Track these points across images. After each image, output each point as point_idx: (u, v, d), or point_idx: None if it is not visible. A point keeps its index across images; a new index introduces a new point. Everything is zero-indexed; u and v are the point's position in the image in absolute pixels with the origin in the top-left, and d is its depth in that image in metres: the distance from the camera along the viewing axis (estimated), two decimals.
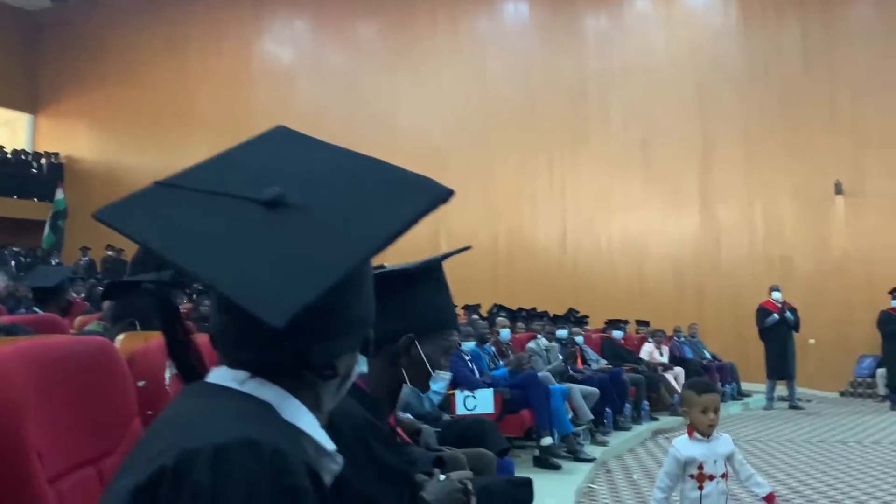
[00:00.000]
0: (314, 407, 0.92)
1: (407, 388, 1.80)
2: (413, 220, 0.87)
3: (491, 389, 5.76)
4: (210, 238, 0.84)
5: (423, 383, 1.82)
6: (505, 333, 7.69)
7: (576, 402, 6.86)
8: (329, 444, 0.92)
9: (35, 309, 4.68)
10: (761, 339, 11.01)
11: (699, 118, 14.12)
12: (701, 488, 3.04)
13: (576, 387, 7.03)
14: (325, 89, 16.45)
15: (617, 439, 7.29)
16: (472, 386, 5.82)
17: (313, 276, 0.79)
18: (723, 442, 3.14)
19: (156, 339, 2.26)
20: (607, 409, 7.50)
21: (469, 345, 6.45)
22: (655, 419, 8.80)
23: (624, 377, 8.26)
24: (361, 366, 1.03)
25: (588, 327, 10.60)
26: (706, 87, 14.12)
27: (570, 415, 6.59)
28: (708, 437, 3.10)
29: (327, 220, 0.85)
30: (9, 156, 17.96)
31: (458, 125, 15.38)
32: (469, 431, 3.89)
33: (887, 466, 6.39)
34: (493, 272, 14.45)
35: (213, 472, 0.75)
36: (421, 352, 1.76)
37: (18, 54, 18.81)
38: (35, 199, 17.49)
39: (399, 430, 3.30)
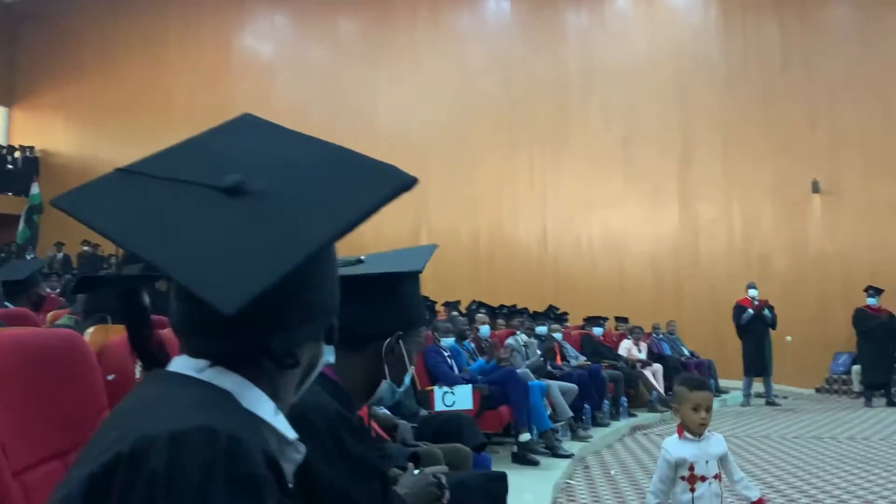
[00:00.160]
0: (275, 396, 0.91)
1: (385, 384, 1.81)
2: (375, 208, 0.86)
3: (470, 386, 5.76)
4: (166, 225, 0.83)
5: (399, 378, 1.83)
6: (484, 330, 7.71)
7: (555, 399, 6.89)
8: (290, 433, 0.91)
9: (6, 304, 4.61)
10: (738, 336, 11.11)
11: (679, 117, 14.21)
12: (693, 490, 2.92)
13: (555, 384, 7.05)
14: (306, 84, 16.36)
15: (595, 435, 7.32)
16: (451, 382, 5.82)
17: (269, 262, 0.78)
18: (715, 442, 3.02)
19: (126, 333, 2.22)
20: (586, 405, 7.54)
21: (448, 341, 6.45)
22: (634, 415, 8.87)
23: (603, 374, 8.30)
24: (328, 356, 1.02)
25: (568, 324, 10.65)
26: (686, 86, 14.21)
27: (549, 411, 6.61)
28: (699, 437, 2.98)
29: (286, 207, 0.84)
30: None
31: (439, 121, 15.36)
32: (446, 427, 3.89)
33: (861, 462, 6.47)
34: (474, 269, 14.46)
35: (169, 459, 0.74)
36: (403, 349, 1.77)
37: None
38: (10, 194, 17.22)
39: (375, 425, 3.29)
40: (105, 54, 17.77)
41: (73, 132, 18.26)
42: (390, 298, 1.73)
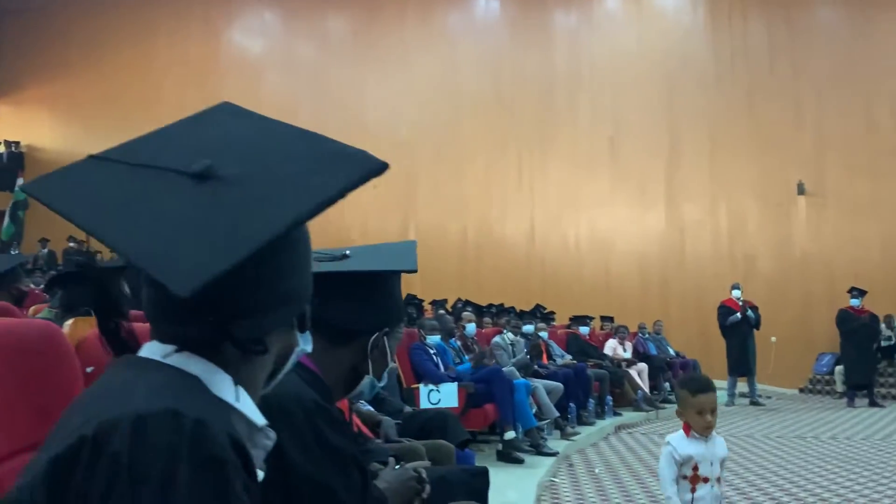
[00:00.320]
0: (244, 383, 0.90)
1: (367, 379, 1.81)
2: (343, 192, 0.85)
3: (455, 384, 5.76)
4: (132, 210, 0.83)
5: (380, 374, 1.84)
6: (471, 328, 7.71)
7: (540, 398, 6.90)
8: (259, 419, 0.90)
9: None
10: (723, 336, 11.16)
11: (666, 117, 14.27)
12: (693, 491, 2.83)
13: (540, 384, 7.06)
14: (294, 81, 16.31)
15: (580, 434, 7.34)
16: (437, 380, 5.82)
17: (227, 246, 0.78)
18: (719, 444, 2.96)
19: None
20: (571, 404, 7.55)
21: (434, 339, 6.44)
22: (619, 414, 8.90)
23: (588, 372, 8.32)
24: (305, 345, 1.01)
25: (554, 323, 10.67)
26: (673, 87, 14.27)
27: (535, 409, 6.62)
28: (706, 438, 2.91)
29: (254, 192, 0.84)
30: None
31: (428, 119, 15.35)
32: (430, 424, 3.88)
33: (843, 461, 6.52)
34: (461, 267, 14.47)
35: (133, 442, 0.74)
36: (387, 345, 1.78)
37: None
38: None
39: (358, 421, 3.28)
40: (92, 48, 17.63)
41: (59, 127, 18.11)
42: (379, 295, 1.74)
